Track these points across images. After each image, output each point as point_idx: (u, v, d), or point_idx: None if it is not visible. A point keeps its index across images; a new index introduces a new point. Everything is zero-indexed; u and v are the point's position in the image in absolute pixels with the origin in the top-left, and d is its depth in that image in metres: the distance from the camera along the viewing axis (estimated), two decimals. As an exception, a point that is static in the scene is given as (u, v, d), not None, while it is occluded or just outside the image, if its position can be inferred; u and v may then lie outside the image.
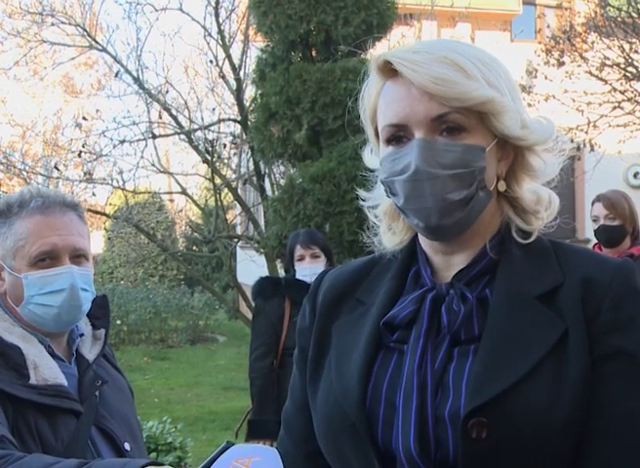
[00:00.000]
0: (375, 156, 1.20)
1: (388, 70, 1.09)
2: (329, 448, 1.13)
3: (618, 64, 8.62)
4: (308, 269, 3.79)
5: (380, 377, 1.10)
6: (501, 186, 1.13)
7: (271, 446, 1.21)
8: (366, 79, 1.15)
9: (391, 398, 1.07)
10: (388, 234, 1.22)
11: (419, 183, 1.05)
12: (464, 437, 0.99)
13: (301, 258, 3.86)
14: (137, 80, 8.26)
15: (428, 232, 1.11)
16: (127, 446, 1.68)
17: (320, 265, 3.78)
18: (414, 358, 1.07)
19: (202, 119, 8.75)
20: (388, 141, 1.10)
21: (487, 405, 0.99)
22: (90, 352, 1.77)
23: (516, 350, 1.03)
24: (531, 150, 1.12)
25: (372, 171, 1.23)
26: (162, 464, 1.06)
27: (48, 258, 1.65)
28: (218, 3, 7.86)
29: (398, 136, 1.09)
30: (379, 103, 1.12)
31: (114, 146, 8.28)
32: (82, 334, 1.78)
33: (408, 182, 1.06)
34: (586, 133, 8.99)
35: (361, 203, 1.24)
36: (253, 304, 4.13)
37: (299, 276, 3.82)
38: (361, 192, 1.24)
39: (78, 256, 1.69)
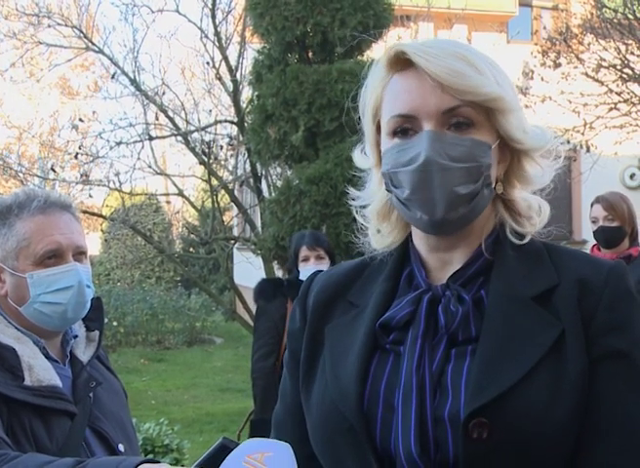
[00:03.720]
0: (365, 156, 1.20)
1: (399, 62, 1.09)
2: (325, 451, 1.12)
3: (614, 66, 8.63)
4: (313, 270, 3.77)
5: (377, 379, 1.09)
6: (499, 188, 1.14)
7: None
8: (365, 78, 1.15)
9: (389, 399, 1.06)
10: (377, 236, 1.21)
11: (428, 174, 1.05)
12: (465, 437, 0.99)
13: (306, 259, 3.87)
14: (133, 82, 8.26)
15: (431, 226, 1.09)
16: (121, 447, 1.68)
17: (324, 267, 3.76)
18: (412, 359, 1.07)
19: (199, 121, 8.76)
20: (394, 133, 1.10)
21: (487, 406, 0.99)
22: (84, 354, 1.78)
23: (514, 351, 1.03)
24: (527, 155, 1.13)
25: (363, 171, 1.23)
26: (157, 462, 1.05)
27: (54, 257, 1.67)
28: (214, 5, 7.87)
29: (405, 128, 1.08)
30: (384, 97, 1.11)
31: (111, 148, 8.28)
32: (76, 336, 1.79)
33: (416, 173, 1.05)
34: (583, 134, 8.99)
35: (350, 202, 1.23)
36: (254, 306, 4.13)
37: (302, 277, 3.80)
38: (352, 190, 1.23)
39: (79, 254, 1.72)
